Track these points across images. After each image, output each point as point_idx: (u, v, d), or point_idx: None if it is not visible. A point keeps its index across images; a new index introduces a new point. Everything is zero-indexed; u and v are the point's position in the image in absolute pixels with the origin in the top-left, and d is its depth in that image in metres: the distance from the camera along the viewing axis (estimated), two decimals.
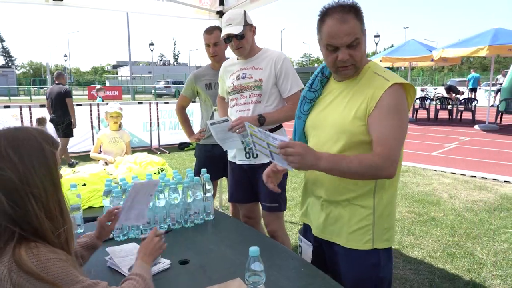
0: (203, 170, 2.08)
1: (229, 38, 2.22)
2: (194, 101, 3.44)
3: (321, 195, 1.50)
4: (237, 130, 2.15)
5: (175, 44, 76.71)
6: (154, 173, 2.73)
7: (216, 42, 2.78)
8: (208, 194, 2.00)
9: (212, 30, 2.78)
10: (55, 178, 1.06)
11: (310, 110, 1.57)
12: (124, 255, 1.56)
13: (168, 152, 8.02)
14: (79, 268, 1.11)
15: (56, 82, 6.73)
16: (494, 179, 5.37)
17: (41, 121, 6.08)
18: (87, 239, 1.40)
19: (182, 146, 8.35)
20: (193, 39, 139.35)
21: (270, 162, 2.11)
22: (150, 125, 8.47)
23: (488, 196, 4.65)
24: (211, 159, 2.91)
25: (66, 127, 6.46)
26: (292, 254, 1.65)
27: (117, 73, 56.14)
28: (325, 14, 1.36)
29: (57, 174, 1.08)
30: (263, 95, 2.26)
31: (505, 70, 15.33)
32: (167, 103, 8.91)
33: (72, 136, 6.68)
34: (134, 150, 5.30)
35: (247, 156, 2.31)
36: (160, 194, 1.87)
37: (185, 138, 8.67)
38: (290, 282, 1.38)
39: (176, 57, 65.30)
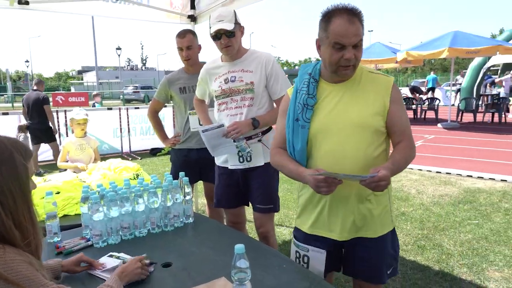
0: (182, 173, 2.08)
1: (218, 35, 2.16)
2: (166, 106, 3.42)
3: (349, 195, 1.52)
4: (233, 136, 2.14)
5: (142, 49, 75.48)
6: (130, 178, 2.70)
7: (189, 45, 2.76)
8: (187, 197, 2.01)
9: (184, 34, 2.77)
10: (25, 188, 1.06)
11: (312, 116, 1.54)
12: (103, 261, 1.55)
13: (140, 158, 7.89)
14: (46, 274, 1.10)
15: (35, 88, 6.67)
16: (457, 174, 5.65)
17: (22, 128, 6.06)
18: (53, 263, 1.40)
19: (154, 152, 8.24)
20: (161, 44, 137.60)
21: (265, 164, 2.26)
22: (121, 131, 8.30)
23: (453, 190, 4.89)
24: (187, 164, 2.88)
25: (46, 132, 6.47)
26: (275, 252, 1.69)
27: (82, 79, 54.47)
28: (332, 15, 1.41)
29: (27, 184, 1.08)
30: (255, 98, 2.24)
31: (464, 71, 16.10)
32: (138, 108, 8.78)
33: (55, 140, 6.68)
34: (105, 157, 5.20)
35: (241, 160, 2.28)
36: (139, 198, 1.87)
37: (157, 143, 8.56)
38: (275, 279, 1.41)
39: (144, 61, 64.20)
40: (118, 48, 39.60)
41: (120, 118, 8.26)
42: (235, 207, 2.47)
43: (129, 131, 8.39)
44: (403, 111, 1.53)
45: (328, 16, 1.43)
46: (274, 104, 2.34)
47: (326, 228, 1.60)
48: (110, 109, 8.52)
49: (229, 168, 2.35)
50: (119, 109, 8.42)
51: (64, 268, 1.42)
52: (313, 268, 1.62)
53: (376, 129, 1.49)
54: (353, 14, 1.40)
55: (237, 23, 2.18)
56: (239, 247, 1.15)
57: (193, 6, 3.96)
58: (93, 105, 10.77)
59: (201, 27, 4.07)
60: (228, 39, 2.16)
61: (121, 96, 27.12)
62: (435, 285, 2.65)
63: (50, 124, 6.53)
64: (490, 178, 5.37)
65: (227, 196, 2.44)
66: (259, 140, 2.28)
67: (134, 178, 2.76)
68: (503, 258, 3.03)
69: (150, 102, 3.23)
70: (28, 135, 6.39)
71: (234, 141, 2.20)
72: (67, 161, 3.88)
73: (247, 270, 1.16)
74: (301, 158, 1.56)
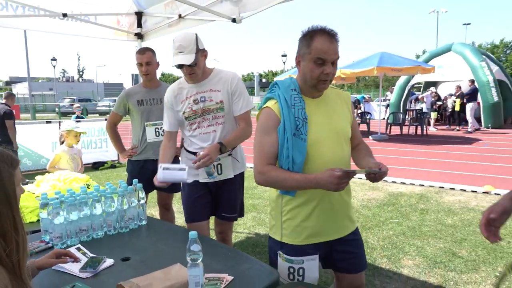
0: (135, 180, 2.28)
1: (181, 65, 2.19)
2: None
3: (332, 196, 1.68)
4: (206, 164, 2.17)
5: (79, 59, 71.86)
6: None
7: (148, 61, 2.98)
8: (141, 201, 2.21)
9: (144, 51, 3.00)
10: (10, 196, 1.06)
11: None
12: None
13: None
14: None
15: (3, 102, 6.39)
16: (384, 181, 6.30)
17: None
18: (28, 264, 1.40)
19: (96, 166, 8.11)
20: (100, 55, 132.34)
21: (235, 176, 2.39)
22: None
23: (379, 194, 5.49)
24: (143, 174, 2.99)
25: (6, 147, 6.07)
26: (221, 244, 1.96)
27: (11, 90, 50.72)
28: (314, 34, 1.58)
29: (13, 193, 1.08)
30: (227, 116, 2.33)
31: (393, 87, 17.62)
32: (79, 121, 8.59)
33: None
34: (43, 172, 5.11)
35: (205, 170, 2.29)
36: (97, 203, 2.05)
37: (99, 157, 8.44)
38: (220, 264, 1.68)
39: (80, 73, 61.34)
40: (53, 59, 37.61)
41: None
42: (204, 220, 2.49)
43: None
44: (355, 120, 1.85)
45: (310, 35, 1.59)
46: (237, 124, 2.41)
47: (322, 233, 1.71)
48: (49, 122, 8.26)
49: (200, 181, 2.39)
50: (59, 122, 8.19)
51: (39, 265, 1.46)
52: (308, 277, 1.70)
53: (349, 136, 1.76)
54: (332, 35, 1.58)
55: (198, 50, 2.20)
56: (193, 233, 1.41)
57: (139, 25, 4.15)
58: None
59: (147, 44, 4.28)
60: (191, 68, 2.22)
61: (57, 109, 25.81)
62: None
63: (12, 141, 6.19)
64: (411, 183, 6.08)
65: (200, 209, 2.46)
66: (230, 154, 2.38)
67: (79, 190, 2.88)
68: (416, 249, 3.55)
69: (109, 115, 3.35)
70: None
71: (205, 170, 2.25)
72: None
73: (200, 252, 1.42)
74: (299, 169, 1.62)
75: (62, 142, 4.00)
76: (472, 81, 13.42)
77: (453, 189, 5.67)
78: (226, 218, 2.53)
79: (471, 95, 13.05)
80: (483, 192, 5.38)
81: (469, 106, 13.00)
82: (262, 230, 4.19)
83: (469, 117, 13.06)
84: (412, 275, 3.08)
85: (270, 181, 1.65)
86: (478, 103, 13.69)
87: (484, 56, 14.50)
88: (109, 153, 8.54)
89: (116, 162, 8.56)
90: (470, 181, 6.01)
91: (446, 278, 3.00)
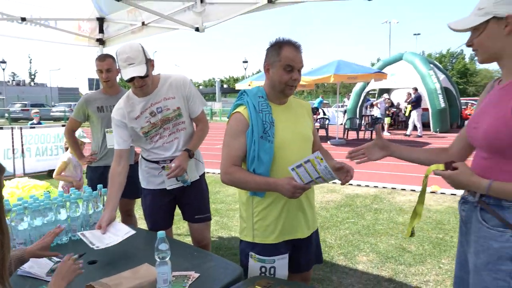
0: (100, 186, 2.32)
1: (132, 78, 2.13)
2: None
3: (301, 198, 1.77)
4: (179, 174, 2.22)
5: (31, 62, 68.39)
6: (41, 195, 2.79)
7: (108, 68, 3.00)
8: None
9: (104, 58, 3.02)
10: None
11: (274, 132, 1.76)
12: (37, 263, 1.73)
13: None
14: None
15: None
16: (341, 184, 6.58)
17: None
18: (19, 252, 1.48)
19: (52, 173, 7.81)
20: (53, 58, 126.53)
21: (199, 177, 2.47)
22: (13, 152, 7.73)
23: (337, 196, 5.76)
24: (103, 181, 3.00)
25: None
26: (187, 245, 2.05)
27: None
28: (283, 44, 1.75)
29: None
30: (186, 121, 2.35)
31: (350, 94, 18.35)
32: (33, 127, 8.27)
33: None
34: None
35: (178, 179, 2.31)
36: (61, 209, 2.07)
37: (55, 165, 8.13)
38: (187, 263, 1.77)
39: (32, 76, 58.35)
40: (3, 62, 35.58)
41: (12, 138, 7.70)
42: (168, 227, 2.51)
43: (23, 152, 7.85)
44: (314, 126, 2.03)
45: (279, 45, 1.76)
46: (194, 125, 2.46)
47: (293, 231, 1.83)
48: (1, 128, 7.89)
49: (167, 189, 2.37)
50: (12, 128, 7.85)
51: (30, 254, 1.51)
52: (278, 275, 1.80)
53: (311, 140, 1.93)
54: (298, 46, 1.77)
55: (147, 60, 2.15)
56: (161, 233, 1.50)
57: (101, 30, 4.15)
58: None
59: (109, 50, 4.27)
60: (142, 80, 2.16)
61: (7, 114, 24.45)
62: (319, 271, 3.24)
63: None
64: (366, 185, 6.41)
65: (164, 216, 2.47)
66: (192, 157, 2.38)
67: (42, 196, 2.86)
68: (369, 246, 3.80)
69: (67, 121, 3.32)
70: None
71: (177, 178, 2.27)
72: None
73: (168, 251, 1.50)
74: (266, 170, 1.74)
75: (66, 149, 4.08)
76: (416, 89, 14.36)
77: (404, 189, 6.07)
78: (201, 219, 2.49)
79: (416, 102, 14.03)
80: (431, 192, 5.79)
81: (415, 113, 14.03)
82: (225, 233, 4.28)
83: (417, 122, 14.01)
84: (366, 270, 3.30)
85: (235, 181, 1.76)
86: (423, 109, 14.68)
87: (432, 65, 15.50)
88: None
89: None
90: (419, 182, 6.38)
91: (396, 271, 3.25)
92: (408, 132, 14.19)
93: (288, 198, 1.71)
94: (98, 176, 3.12)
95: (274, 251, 1.81)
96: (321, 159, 1.57)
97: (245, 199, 1.87)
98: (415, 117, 14.04)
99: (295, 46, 1.77)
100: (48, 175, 7.87)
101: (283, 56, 1.73)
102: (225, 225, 4.54)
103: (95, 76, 3.15)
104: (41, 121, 9.79)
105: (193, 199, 2.48)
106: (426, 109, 14.96)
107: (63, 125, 8.55)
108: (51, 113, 27.92)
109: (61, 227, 1.67)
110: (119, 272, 1.64)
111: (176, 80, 2.32)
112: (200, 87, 54.64)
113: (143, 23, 3.77)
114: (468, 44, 1.38)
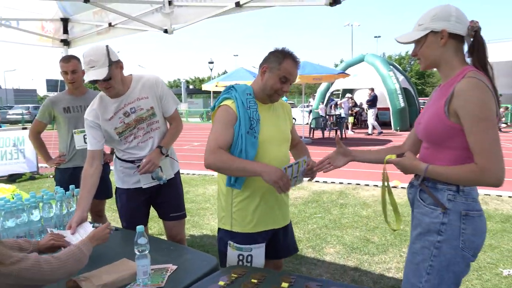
0: (72, 186, 2.32)
1: (95, 80, 2.11)
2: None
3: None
4: (150, 169, 2.26)
5: None
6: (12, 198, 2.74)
7: (74, 70, 2.98)
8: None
9: (69, 59, 2.99)
10: None
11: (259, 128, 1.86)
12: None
13: None
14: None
15: None
16: (308, 180, 6.79)
17: None
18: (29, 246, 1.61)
19: (13, 178, 7.52)
20: (8, 59, 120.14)
21: (174, 175, 2.49)
22: None
23: (304, 193, 5.95)
24: (73, 182, 2.94)
25: None
26: (163, 240, 2.11)
27: None
28: (286, 55, 1.85)
29: None
30: (160, 120, 2.38)
31: (315, 94, 18.78)
32: None
33: None
34: None
35: (153, 177, 2.35)
36: (34, 210, 2.06)
37: (15, 169, 7.83)
38: (164, 257, 1.84)
39: None
40: None
41: None
42: (146, 224, 2.54)
43: None
44: (293, 124, 2.16)
45: (283, 55, 1.86)
46: (167, 123, 2.49)
47: (270, 221, 1.94)
48: None
49: (142, 187, 2.38)
50: None
51: (42, 247, 1.64)
52: (255, 263, 1.89)
53: (290, 139, 2.07)
54: (298, 62, 1.90)
55: (112, 63, 2.11)
56: (140, 227, 1.57)
57: (66, 31, 4.09)
58: None
59: (75, 51, 4.22)
60: (106, 82, 2.14)
61: None
62: (288, 264, 3.38)
63: None
64: (332, 182, 6.66)
65: (139, 215, 2.47)
66: (167, 156, 2.43)
67: (13, 198, 2.81)
68: (336, 239, 3.99)
69: (32, 123, 3.25)
70: None
71: (152, 176, 2.31)
72: None
73: (147, 245, 1.57)
74: None
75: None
76: (372, 89, 15.03)
77: (368, 185, 6.36)
78: (176, 217, 2.53)
79: (372, 102, 14.72)
80: (392, 187, 6.09)
81: (371, 112, 14.82)
82: (196, 231, 4.34)
83: (373, 121, 14.77)
84: (333, 260, 3.47)
85: (220, 159, 1.77)
86: (384, 109, 15.37)
87: (391, 67, 16.21)
88: (27, 164, 7.98)
89: (36, 173, 8.02)
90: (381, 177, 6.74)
91: (361, 261, 3.45)
92: (369, 131, 14.80)
93: (264, 191, 1.85)
94: (67, 177, 3.08)
95: (252, 240, 1.90)
96: (305, 163, 1.85)
97: (225, 189, 1.95)
98: (370, 116, 14.74)
99: (295, 61, 1.88)
100: (8, 179, 7.56)
101: (283, 67, 1.84)
102: (197, 224, 4.60)
103: (54, 77, 3.14)
104: (1, 124, 9.36)
105: (168, 197, 2.51)
106: (387, 109, 15.63)
107: (23, 128, 8.25)
108: (8, 116, 26.57)
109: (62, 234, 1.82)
110: (96, 265, 1.67)
111: (149, 80, 2.34)
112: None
113: (110, 24, 3.76)
114: (413, 55, 1.59)
